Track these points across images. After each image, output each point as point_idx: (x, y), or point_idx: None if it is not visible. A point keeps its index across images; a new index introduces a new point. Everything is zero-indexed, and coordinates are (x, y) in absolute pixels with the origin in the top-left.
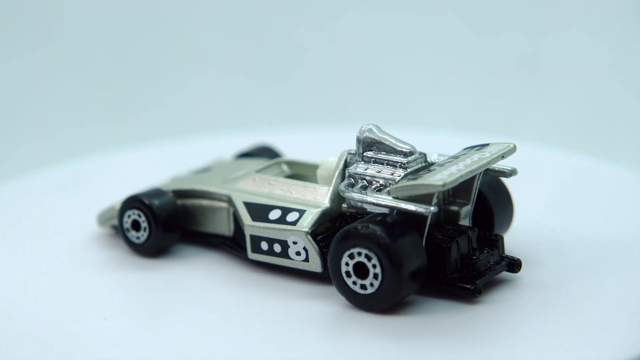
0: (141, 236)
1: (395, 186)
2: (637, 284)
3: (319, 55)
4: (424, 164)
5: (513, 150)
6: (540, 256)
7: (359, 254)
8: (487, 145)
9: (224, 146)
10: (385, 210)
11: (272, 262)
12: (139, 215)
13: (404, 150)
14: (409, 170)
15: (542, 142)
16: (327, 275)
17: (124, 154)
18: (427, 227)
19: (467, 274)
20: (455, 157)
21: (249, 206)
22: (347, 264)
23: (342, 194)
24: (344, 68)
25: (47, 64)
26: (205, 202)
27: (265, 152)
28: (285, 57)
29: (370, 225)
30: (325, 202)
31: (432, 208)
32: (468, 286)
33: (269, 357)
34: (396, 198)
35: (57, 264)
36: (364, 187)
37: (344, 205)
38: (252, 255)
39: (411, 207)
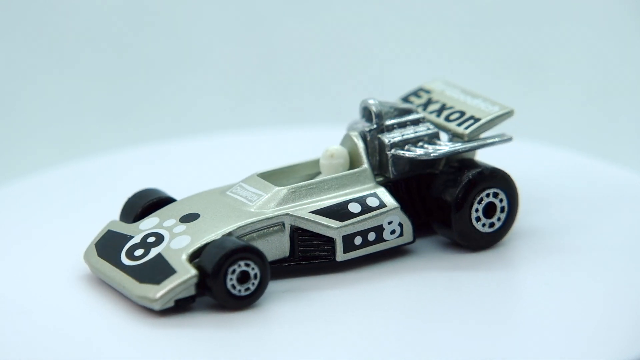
0: (251, 285)
1: (471, 129)
2: (637, 284)
3: (318, 54)
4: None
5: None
6: (538, 255)
7: (487, 195)
8: (423, 88)
9: (224, 145)
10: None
11: (364, 254)
12: (247, 264)
13: (409, 107)
14: (428, 120)
15: (541, 141)
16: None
17: (124, 154)
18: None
19: None
20: (437, 101)
21: (323, 212)
22: (477, 210)
23: (428, 157)
24: (343, 67)
25: (47, 63)
26: (256, 234)
27: (163, 197)
28: (284, 56)
29: (488, 166)
30: (373, 180)
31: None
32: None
33: None
34: (473, 140)
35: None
36: (421, 147)
37: (379, 178)
38: (343, 257)
39: (500, 139)
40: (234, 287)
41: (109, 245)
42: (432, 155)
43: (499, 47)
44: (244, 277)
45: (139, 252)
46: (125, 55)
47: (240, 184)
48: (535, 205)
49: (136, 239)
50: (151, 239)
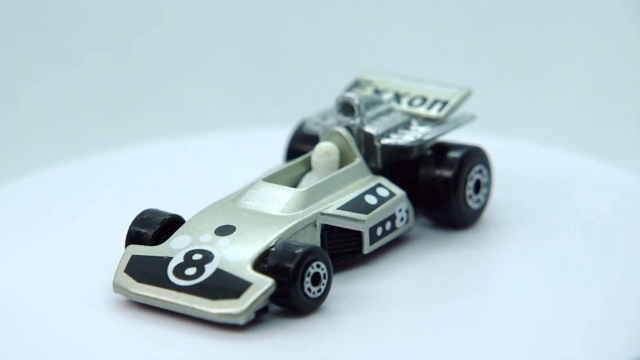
0: (322, 286)
1: (444, 112)
2: (636, 285)
3: (317, 55)
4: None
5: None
6: (537, 255)
7: (475, 172)
8: (361, 79)
9: (224, 144)
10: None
11: (382, 244)
12: (318, 266)
13: (381, 98)
14: (396, 108)
15: (539, 141)
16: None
17: (124, 153)
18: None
19: None
20: (386, 90)
21: (347, 207)
22: (469, 188)
23: (420, 142)
24: (342, 66)
25: (47, 63)
26: (296, 236)
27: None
28: (282, 55)
29: (469, 145)
30: (369, 171)
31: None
32: None
33: None
34: (447, 122)
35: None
36: (401, 134)
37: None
38: (369, 249)
39: (469, 119)
40: (309, 290)
41: (146, 270)
42: (425, 139)
43: (497, 47)
44: (315, 279)
45: (191, 271)
46: (125, 55)
47: (250, 190)
48: (531, 204)
49: (178, 259)
50: (197, 256)
